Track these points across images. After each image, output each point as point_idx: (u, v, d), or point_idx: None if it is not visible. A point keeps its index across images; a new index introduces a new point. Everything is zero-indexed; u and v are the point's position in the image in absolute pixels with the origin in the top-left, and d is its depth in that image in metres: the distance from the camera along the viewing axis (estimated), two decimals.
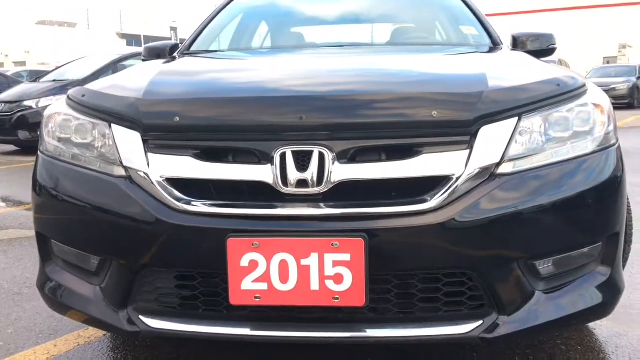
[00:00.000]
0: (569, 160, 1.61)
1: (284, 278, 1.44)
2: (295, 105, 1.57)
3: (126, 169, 1.60)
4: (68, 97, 1.87)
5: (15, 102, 8.86)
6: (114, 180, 1.60)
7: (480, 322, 1.51)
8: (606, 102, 1.74)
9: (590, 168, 1.63)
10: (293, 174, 1.48)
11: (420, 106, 1.56)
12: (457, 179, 1.49)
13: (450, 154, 1.51)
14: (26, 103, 8.75)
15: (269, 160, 1.50)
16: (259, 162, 1.52)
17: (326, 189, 1.48)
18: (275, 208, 1.48)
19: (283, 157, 1.49)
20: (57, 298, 1.77)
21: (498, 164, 1.52)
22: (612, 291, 1.69)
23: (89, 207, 1.63)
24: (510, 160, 1.55)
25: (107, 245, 1.62)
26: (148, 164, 1.57)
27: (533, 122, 1.60)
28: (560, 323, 1.62)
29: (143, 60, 2.87)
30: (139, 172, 1.57)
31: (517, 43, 2.78)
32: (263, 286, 1.45)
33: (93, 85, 1.92)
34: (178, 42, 3.02)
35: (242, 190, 1.53)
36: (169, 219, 1.50)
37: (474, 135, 1.52)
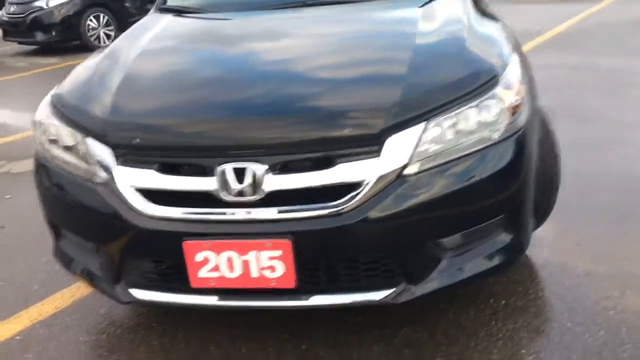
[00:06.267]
0: (474, 152, 1.83)
1: (230, 269, 1.82)
2: (233, 129, 1.87)
3: (102, 177, 1.93)
4: (51, 102, 2.18)
5: (26, 2, 8.96)
6: (93, 186, 1.95)
7: (392, 289, 1.88)
8: (511, 94, 1.91)
9: (494, 157, 1.86)
10: (233, 186, 1.79)
11: (336, 125, 1.81)
12: (368, 183, 1.76)
13: (362, 162, 1.77)
14: (37, 4, 8.84)
15: (214, 173, 1.81)
16: (205, 175, 1.83)
17: (260, 197, 1.80)
18: (220, 214, 1.83)
19: (223, 172, 1.80)
20: (69, 269, 2.23)
21: (405, 166, 1.78)
22: (513, 252, 2.01)
23: (77, 205, 2.01)
24: (418, 160, 1.79)
25: (94, 235, 2.03)
26: (118, 175, 1.90)
27: (441, 123, 1.81)
28: (464, 283, 1.97)
29: None
30: (111, 181, 1.91)
31: None
32: (216, 274, 1.84)
33: (68, 93, 2.20)
34: None
35: (195, 198, 1.86)
36: (137, 223, 1.86)
37: (382, 145, 1.77)
